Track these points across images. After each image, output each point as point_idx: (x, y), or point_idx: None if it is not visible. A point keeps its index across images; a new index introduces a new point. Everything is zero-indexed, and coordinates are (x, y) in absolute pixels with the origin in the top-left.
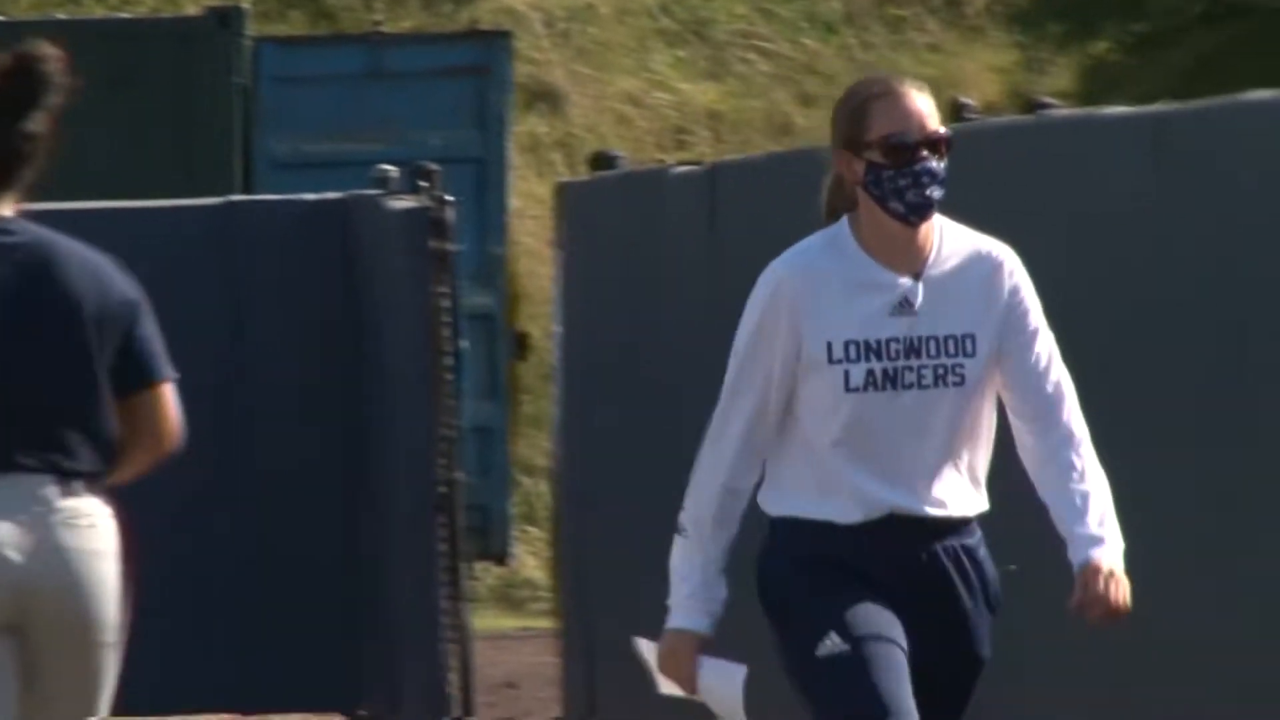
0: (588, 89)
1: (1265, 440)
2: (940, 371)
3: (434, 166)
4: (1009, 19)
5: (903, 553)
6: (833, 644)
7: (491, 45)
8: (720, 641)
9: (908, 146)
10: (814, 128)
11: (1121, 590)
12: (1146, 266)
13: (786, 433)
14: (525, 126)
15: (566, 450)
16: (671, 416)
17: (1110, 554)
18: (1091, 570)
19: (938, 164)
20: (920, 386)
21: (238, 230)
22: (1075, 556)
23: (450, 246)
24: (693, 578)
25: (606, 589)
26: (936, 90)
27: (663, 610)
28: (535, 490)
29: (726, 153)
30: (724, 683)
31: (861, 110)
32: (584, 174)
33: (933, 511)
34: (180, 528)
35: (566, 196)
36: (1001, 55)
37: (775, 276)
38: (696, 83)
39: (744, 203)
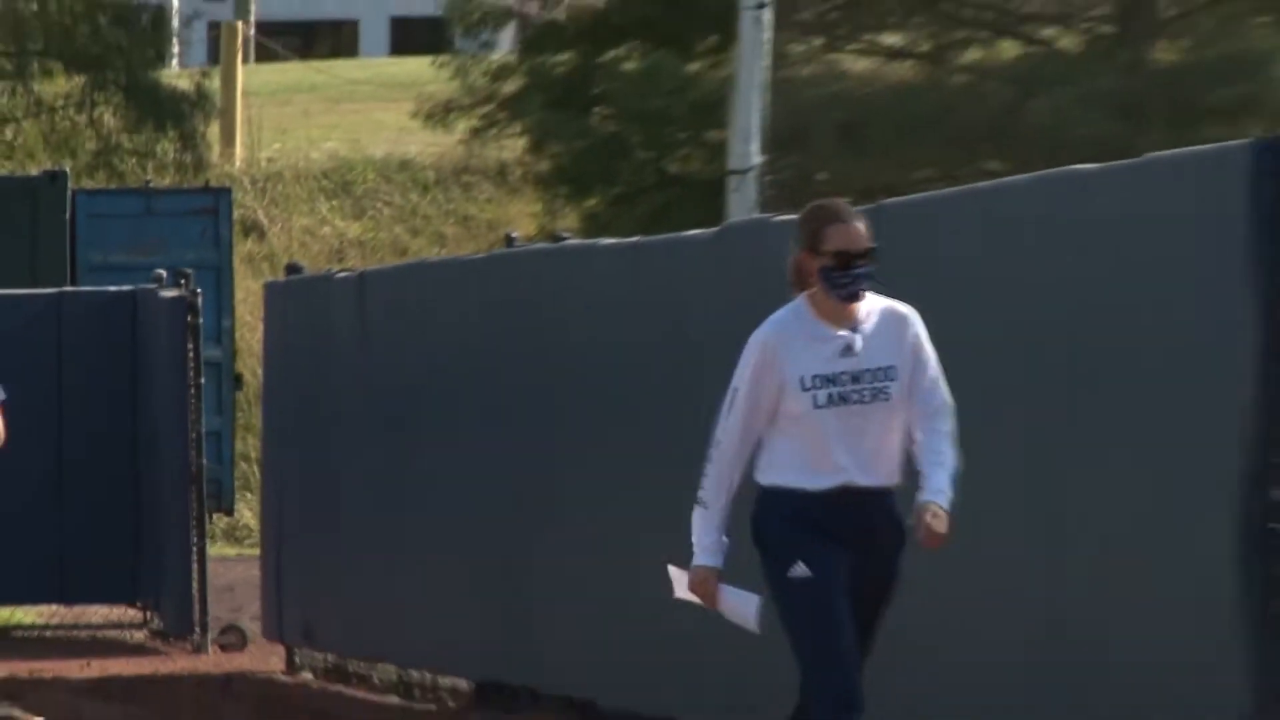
0: (281, 224)
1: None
2: (874, 392)
3: (188, 271)
4: (537, 182)
5: (851, 511)
6: (800, 570)
7: (219, 196)
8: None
9: (849, 256)
10: (421, 249)
11: (945, 525)
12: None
13: (773, 433)
14: (243, 247)
15: (268, 447)
16: (323, 438)
17: (942, 500)
18: (924, 507)
19: (866, 267)
20: (862, 402)
21: (67, 309)
22: (918, 499)
23: (198, 320)
24: (710, 534)
25: (291, 532)
26: (493, 227)
27: (323, 545)
28: (250, 471)
29: (369, 265)
30: (740, 603)
31: (819, 229)
32: (280, 277)
33: (869, 483)
34: (41, 502)
35: (269, 291)
36: (533, 205)
37: (763, 336)
38: (347, 221)
39: (383, 297)
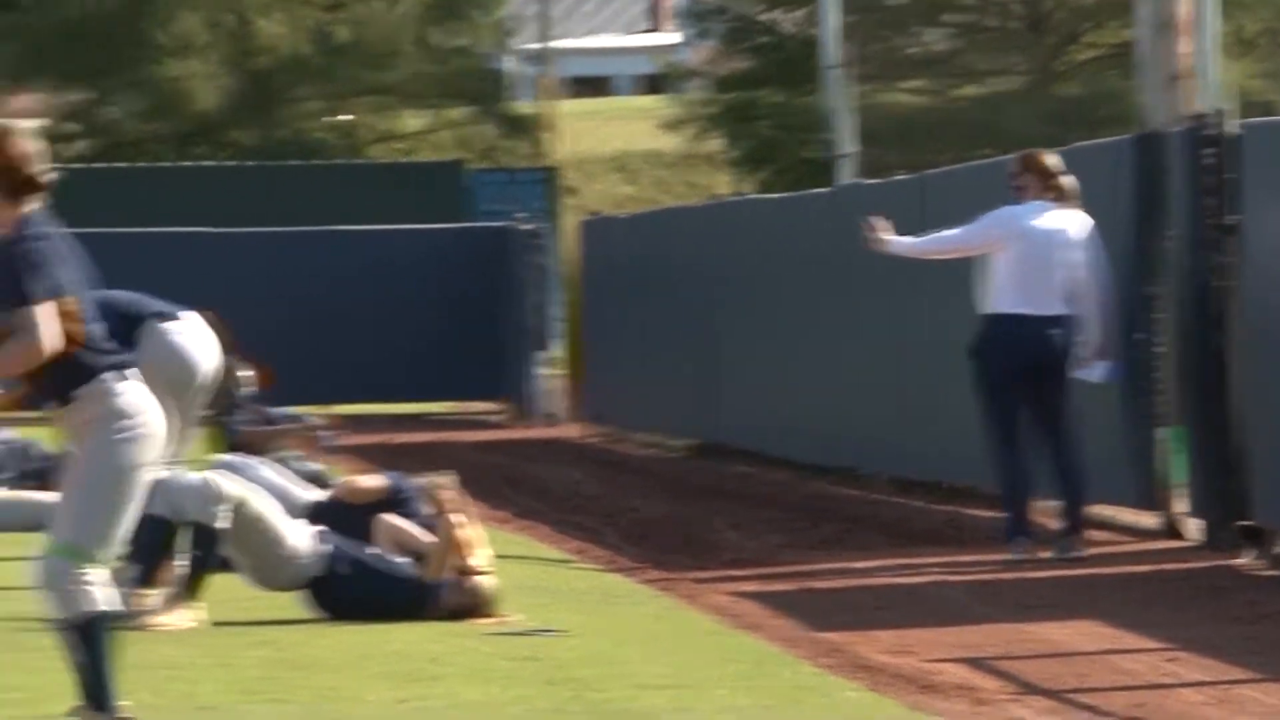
0: (586, 188)
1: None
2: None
3: (530, 215)
4: (729, 164)
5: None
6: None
7: (552, 171)
8: None
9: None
10: (666, 203)
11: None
12: None
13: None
14: (566, 201)
15: (586, 312)
16: (607, 302)
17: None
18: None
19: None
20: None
21: (467, 237)
22: None
23: (540, 243)
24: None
25: (590, 360)
26: (706, 190)
27: (609, 366)
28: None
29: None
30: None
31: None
32: (587, 217)
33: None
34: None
35: (583, 226)
36: (727, 176)
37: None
38: (624, 187)
39: (644, 231)
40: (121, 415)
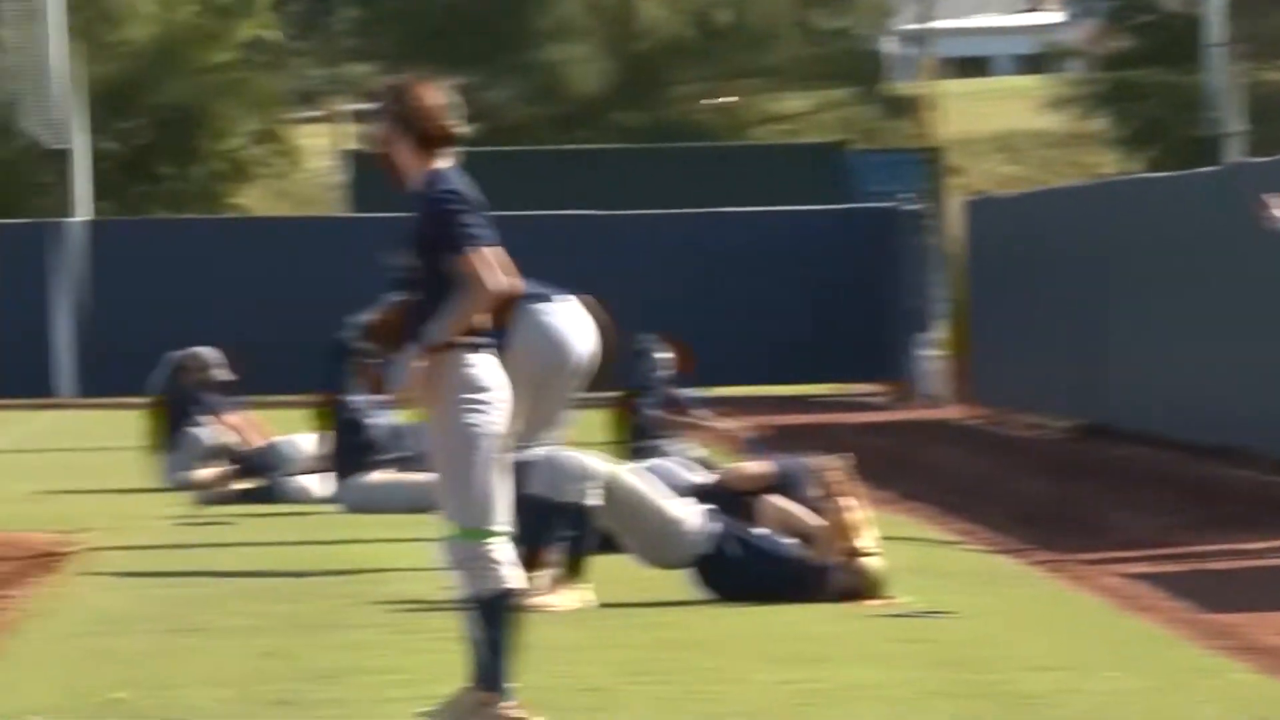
0: (969, 168)
1: None
2: None
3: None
4: (1111, 143)
5: None
6: None
7: (935, 152)
8: None
9: None
10: (1048, 182)
11: None
12: None
13: None
14: (948, 181)
15: (974, 290)
16: (993, 285)
17: None
18: None
19: None
20: None
21: (856, 218)
22: None
23: (923, 223)
24: None
25: (976, 344)
26: (1090, 168)
27: (995, 348)
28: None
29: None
30: None
31: None
32: (970, 198)
33: None
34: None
35: (968, 205)
36: (1109, 156)
37: None
38: (1004, 166)
39: (1018, 211)
40: (469, 386)
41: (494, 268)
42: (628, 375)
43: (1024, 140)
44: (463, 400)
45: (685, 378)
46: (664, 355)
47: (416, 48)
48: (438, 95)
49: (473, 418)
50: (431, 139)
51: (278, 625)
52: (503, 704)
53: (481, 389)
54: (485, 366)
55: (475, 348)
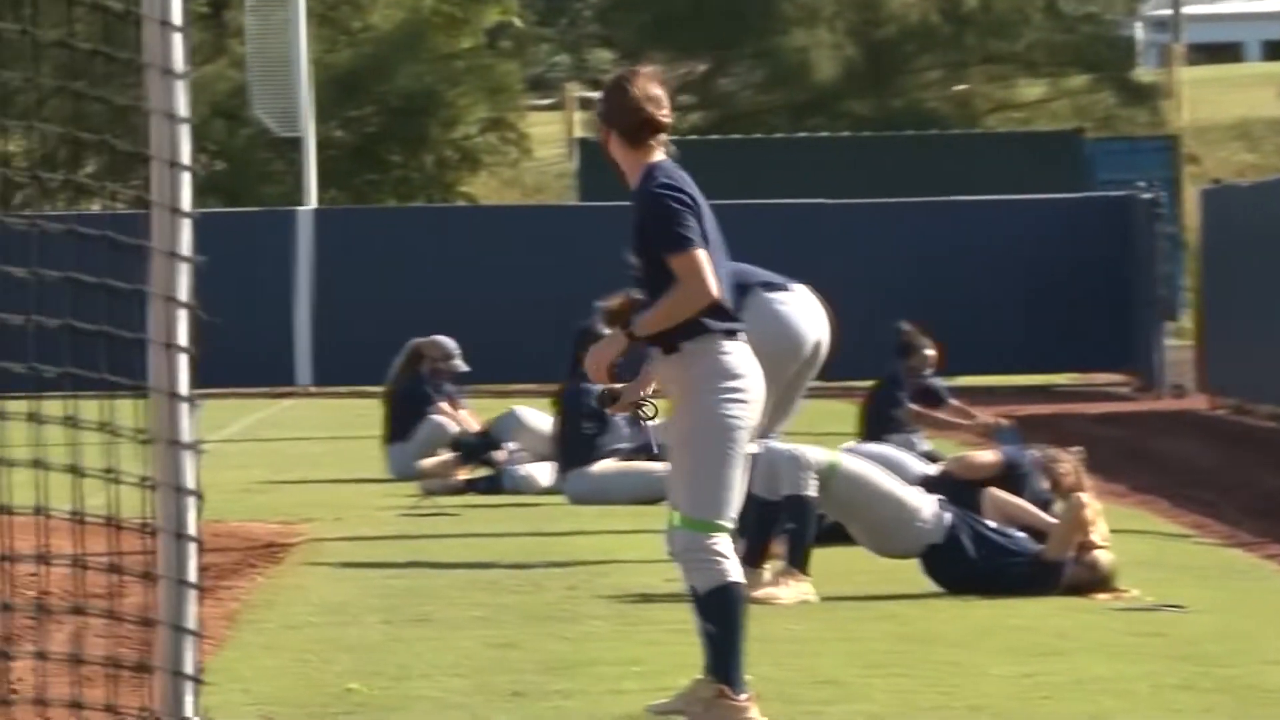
0: (1208, 156)
1: None
2: None
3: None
4: None
5: None
6: None
7: (1173, 140)
8: None
9: None
10: None
11: None
12: None
13: None
14: (1187, 169)
15: (1206, 280)
16: (1241, 276)
17: None
18: None
19: None
20: None
21: (1085, 207)
22: None
23: (1160, 211)
24: None
25: (1216, 335)
26: None
27: (1237, 339)
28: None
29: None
30: None
31: None
32: (1208, 187)
33: None
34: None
35: (1204, 195)
36: None
37: None
38: (1247, 154)
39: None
40: (725, 375)
41: (708, 271)
42: (879, 365)
43: (1262, 128)
44: (720, 390)
45: (936, 369)
46: (927, 348)
47: (659, 34)
48: (648, 86)
49: (731, 409)
50: (639, 131)
51: (505, 616)
52: (737, 696)
53: (738, 377)
54: (740, 355)
55: (731, 334)
